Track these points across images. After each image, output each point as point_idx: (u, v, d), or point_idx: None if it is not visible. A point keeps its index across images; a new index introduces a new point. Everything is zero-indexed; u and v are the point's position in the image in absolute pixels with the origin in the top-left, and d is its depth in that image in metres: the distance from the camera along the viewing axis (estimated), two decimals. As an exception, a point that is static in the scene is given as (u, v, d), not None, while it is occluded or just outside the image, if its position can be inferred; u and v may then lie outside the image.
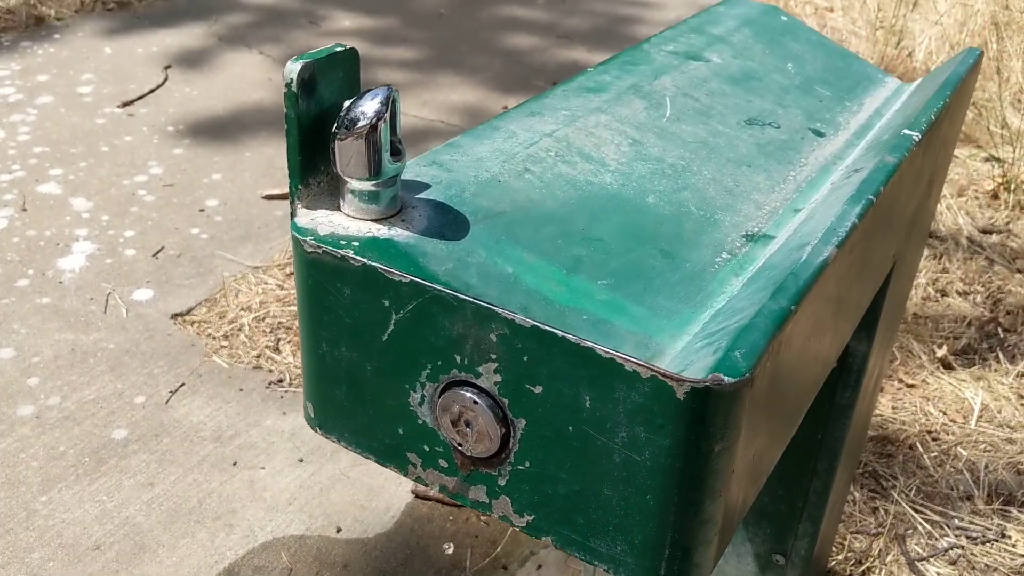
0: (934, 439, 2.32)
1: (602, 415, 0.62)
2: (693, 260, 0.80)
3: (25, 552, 1.92)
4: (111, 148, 3.51)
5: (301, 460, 2.18)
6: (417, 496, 2.10)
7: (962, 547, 2.04)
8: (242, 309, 2.66)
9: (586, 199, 0.83)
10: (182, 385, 2.39)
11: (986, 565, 2.00)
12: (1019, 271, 2.98)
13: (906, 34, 4.62)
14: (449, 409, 0.69)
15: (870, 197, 0.84)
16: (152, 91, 3.98)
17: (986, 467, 2.23)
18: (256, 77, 4.23)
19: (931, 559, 2.02)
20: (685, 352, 0.64)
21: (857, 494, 2.16)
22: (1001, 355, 2.59)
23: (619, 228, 0.81)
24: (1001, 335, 2.68)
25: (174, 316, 2.65)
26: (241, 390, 2.39)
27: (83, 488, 2.08)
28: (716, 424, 0.60)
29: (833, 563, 2.00)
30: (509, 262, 0.71)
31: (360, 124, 0.68)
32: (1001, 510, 2.13)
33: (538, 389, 0.65)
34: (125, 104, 3.82)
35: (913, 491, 2.17)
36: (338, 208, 0.74)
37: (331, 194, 0.75)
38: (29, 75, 4.07)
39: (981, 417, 2.38)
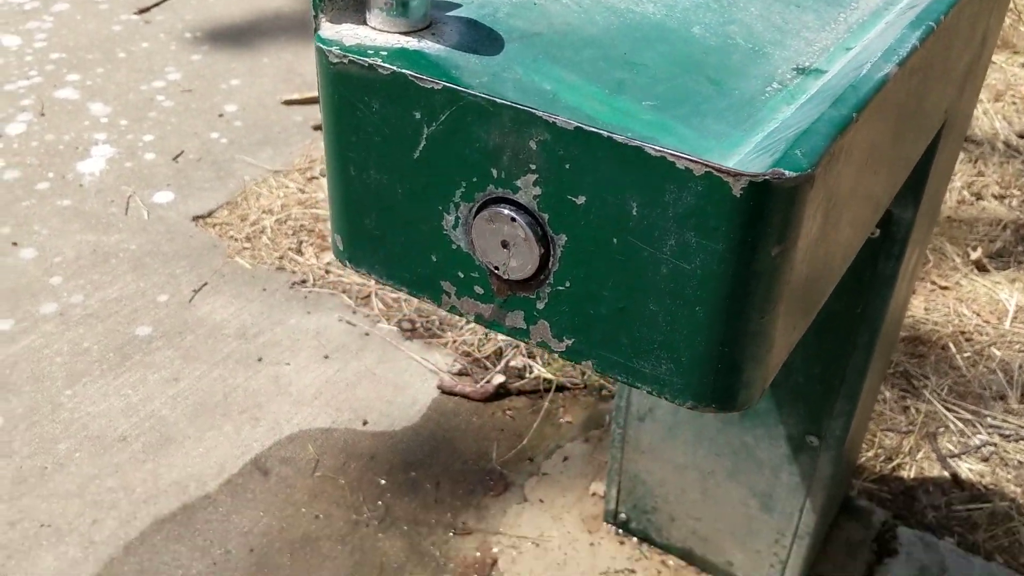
0: (967, 340, 2.27)
1: (650, 223, 0.59)
2: (742, 88, 0.75)
3: (51, 443, 1.93)
4: (128, 54, 3.45)
5: (326, 357, 2.17)
6: (443, 391, 2.09)
7: (995, 444, 2.01)
8: (264, 212, 2.63)
9: (628, 26, 0.78)
10: (205, 285, 2.38)
11: (1019, 462, 1.97)
12: (1058, 175, 2.89)
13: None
14: (485, 230, 0.65)
15: (930, 23, 0.78)
16: (168, -2, 3.90)
17: (1020, 367, 2.19)
18: (273, -16, 4.14)
19: (963, 456, 2.00)
20: (740, 161, 0.60)
21: (888, 393, 2.12)
22: (1038, 257, 2.53)
23: (663, 56, 0.76)
24: (1038, 238, 2.61)
25: (195, 218, 2.62)
26: (264, 290, 2.37)
27: (108, 383, 2.08)
28: (775, 223, 0.56)
29: (863, 459, 1.98)
30: (548, 80, 0.67)
31: (388, -79, 0.63)
32: (1035, 408, 2.09)
33: (581, 200, 0.61)
34: (142, 11, 3.75)
35: (945, 391, 2.14)
36: (364, 22, 0.69)
37: (356, 10, 0.71)
38: (43, -18, 3.99)
39: (1016, 318, 2.33)
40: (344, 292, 2.36)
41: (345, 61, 0.66)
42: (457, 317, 2.31)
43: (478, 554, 1.74)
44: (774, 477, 1.50)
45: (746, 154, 0.60)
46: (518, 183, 0.63)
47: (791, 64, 0.82)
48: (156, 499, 1.82)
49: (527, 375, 2.14)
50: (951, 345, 2.25)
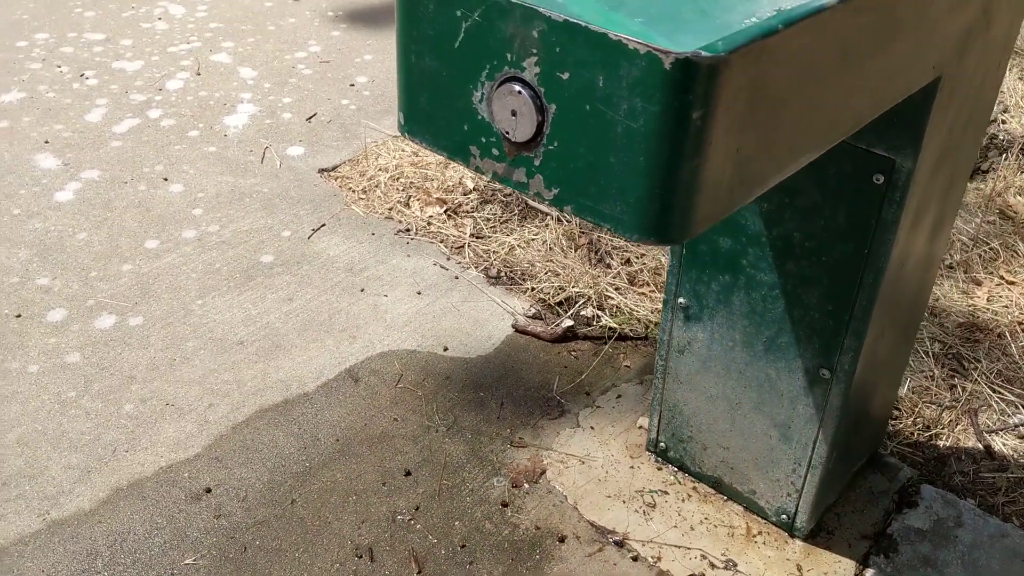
0: (1024, 330, 2.37)
1: (610, 91, 0.81)
2: (723, 18, 0.96)
3: (181, 341, 2.27)
4: (276, 28, 3.83)
5: (419, 293, 2.44)
6: (517, 330, 2.33)
7: (1033, 425, 2.11)
8: (380, 170, 2.93)
9: (639, -32, 1.00)
10: (323, 225, 2.69)
11: (1054, 442, 2.07)
12: None
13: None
14: (501, 102, 0.89)
15: (884, -24, 0.97)
16: (316, -20, 4.29)
17: (1073, 359, 2.27)
18: (411, -27, 4.48)
19: (999, 432, 2.10)
20: (675, 47, 0.81)
21: (936, 371, 2.25)
22: (1113, 264, 2.58)
23: (662, -10, 0.97)
24: (1117, 246, 2.66)
25: (321, 171, 2.94)
26: (373, 234, 2.66)
27: (233, 297, 2.41)
28: (696, 92, 0.77)
29: (901, 425, 2.11)
30: (562, -4, 0.90)
31: None
32: (1079, 396, 2.18)
33: (566, 75, 0.83)
34: (291, -10, 4.14)
35: (994, 374, 2.24)
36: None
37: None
38: (209, -38, 4.45)
39: (1078, 316, 2.40)
40: (441, 242, 2.64)
41: (410, -26, 0.91)
42: (534, 266, 2.53)
43: (529, 463, 1.97)
44: (792, 408, 1.67)
45: (685, 45, 0.82)
46: (524, 64, 0.86)
47: (775, 6, 1.03)
48: (263, 392, 2.13)
49: (594, 323, 2.36)
50: (1007, 334, 2.35)
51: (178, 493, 1.87)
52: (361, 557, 1.75)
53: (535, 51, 0.85)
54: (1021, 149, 2.96)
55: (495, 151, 0.93)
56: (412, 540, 1.79)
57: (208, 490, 1.88)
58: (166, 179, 2.86)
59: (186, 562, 1.73)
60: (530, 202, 2.77)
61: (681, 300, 1.74)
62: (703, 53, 0.76)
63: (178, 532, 1.79)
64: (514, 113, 0.88)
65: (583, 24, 0.81)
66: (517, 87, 0.87)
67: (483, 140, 0.93)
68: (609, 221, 0.86)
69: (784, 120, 0.91)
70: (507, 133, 0.90)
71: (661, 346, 1.83)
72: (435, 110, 0.96)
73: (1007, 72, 3.53)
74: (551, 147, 0.88)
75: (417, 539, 1.79)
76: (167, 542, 1.77)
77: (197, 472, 1.92)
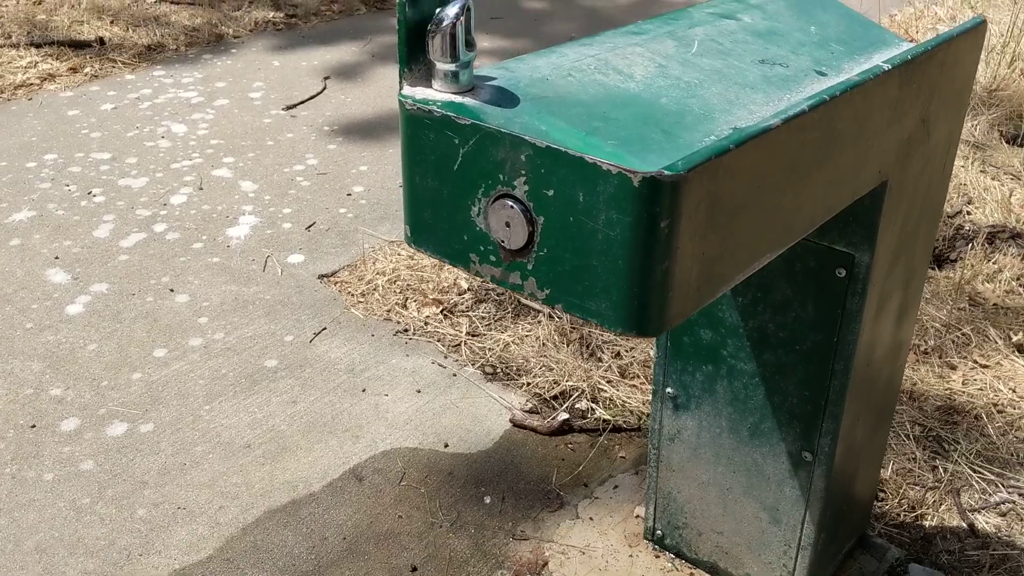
0: (1000, 411, 2.46)
1: (590, 205, 0.93)
2: (686, 138, 1.10)
3: (190, 445, 2.35)
4: (275, 142, 4.02)
5: (419, 391, 2.54)
6: (515, 425, 2.42)
7: (1013, 502, 2.19)
8: (377, 273, 3.06)
9: (612, 96, 1.14)
10: (324, 329, 2.80)
11: (1035, 518, 2.15)
12: (1115, 273, 3.05)
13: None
14: (495, 215, 1.01)
15: (824, 97, 1.12)
16: (312, 97, 4.51)
17: (1049, 437, 2.37)
18: (403, 89, 4.71)
19: (982, 510, 2.18)
20: (642, 167, 0.94)
21: (919, 453, 2.34)
22: (1081, 344, 2.70)
23: (632, 115, 1.11)
24: (1085, 328, 2.78)
25: (321, 276, 3.07)
26: (373, 335, 2.77)
27: (239, 402, 2.50)
28: (662, 205, 0.90)
29: (887, 507, 2.19)
30: (544, 123, 1.03)
31: (444, 23, 1.02)
32: (1056, 472, 2.26)
33: (551, 192, 0.96)
34: (289, 107, 4.35)
35: (973, 455, 2.33)
36: (430, 86, 1.08)
37: (426, 78, 1.10)
38: (209, 82, 4.68)
39: (1051, 395, 2.51)
40: (439, 341, 2.75)
41: (415, 109, 1.04)
42: (529, 362, 2.63)
43: (532, 556, 2.03)
44: (779, 491, 1.76)
45: (651, 164, 0.95)
46: (515, 183, 0.99)
47: (730, 125, 1.17)
48: (270, 494, 2.20)
49: (589, 416, 2.45)
50: (984, 415, 2.45)
51: (190, 594, 1.93)
52: (370, 650, 1.80)
53: (523, 172, 0.98)
54: (986, 238, 3.12)
55: (492, 257, 1.05)
56: (419, 632, 1.84)
57: (219, 590, 1.94)
58: (172, 290, 2.98)
59: (199, 661, 1.78)
60: (523, 300, 2.90)
61: (669, 390, 1.84)
62: (665, 172, 0.89)
63: (191, 632, 1.84)
64: (508, 224, 1.01)
65: (563, 149, 0.94)
66: (510, 202, 1.00)
67: (481, 248, 1.05)
68: (595, 316, 0.97)
69: (741, 225, 1.03)
70: (503, 242, 1.02)
71: (652, 435, 1.92)
72: (438, 223, 1.09)
73: (969, 166, 3.72)
74: (541, 253, 1.00)
75: (424, 631, 1.84)
76: (180, 642, 1.82)
77: (210, 574, 1.98)
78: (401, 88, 1.08)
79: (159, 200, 3.54)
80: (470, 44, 1.04)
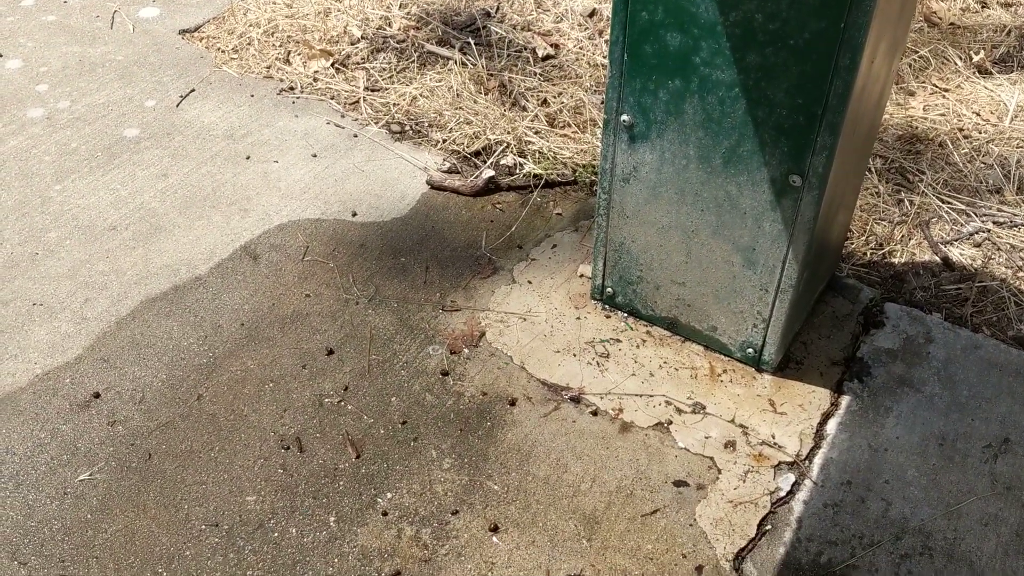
0: (965, 137, 2.24)
1: None
2: None
3: (41, 232, 1.94)
4: None
5: (315, 156, 2.16)
6: (432, 187, 2.07)
7: (987, 231, 2.00)
8: (250, 25, 2.58)
9: None
10: (192, 91, 2.35)
11: (1012, 246, 1.96)
12: (1069, -12, 2.80)
13: None
14: None
15: None
16: None
17: (1018, 162, 2.16)
18: None
19: (955, 242, 1.98)
20: None
21: (882, 187, 2.10)
22: (1043, 61, 2.47)
23: None
24: (1044, 44, 2.55)
25: (182, 32, 2.57)
26: (252, 96, 2.34)
27: (96, 179, 2.08)
28: None
29: (853, 246, 1.97)
30: None
31: None
32: (1030, 194, 2.07)
33: None
34: None
35: (940, 184, 2.12)
36: None
37: None
38: None
39: (1016, 117, 2.29)
40: (332, 98, 2.34)
41: None
42: (442, 116, 2.25)
43: (466, 327, 1.75)
44: (757, 227, 1.49)
45: None
46: None
47: None
48: (147, 281, 1.84)
49: (517, 171, 2.12)
50: (948, 142, 2.22)
51: (60, 403, 1.59)
52: (288, 448, 1.52)
53: None
54: (941, -48, 2.80)
55: None
56: (345, 423, 1.56)
57: (96, 395, 1.61)
58: (0, 55, 2.46)
59: (80, 478, 1.47)
60: (428, 47, 2.48)
61: (624, 118, 1.51)
62: None
63: (66, 446, 1.52)
64: None
65: None
66: None
67: None
68: None
69: None
70: None
71: (603, 177, 1.61)
72: None
73: None
74: None
75: (350, 421, 1.57)
76: (54, 458, 1.50)
77: (81, 377, 1.64)
78: None
79: (-29, -47, 2.90)
80: None
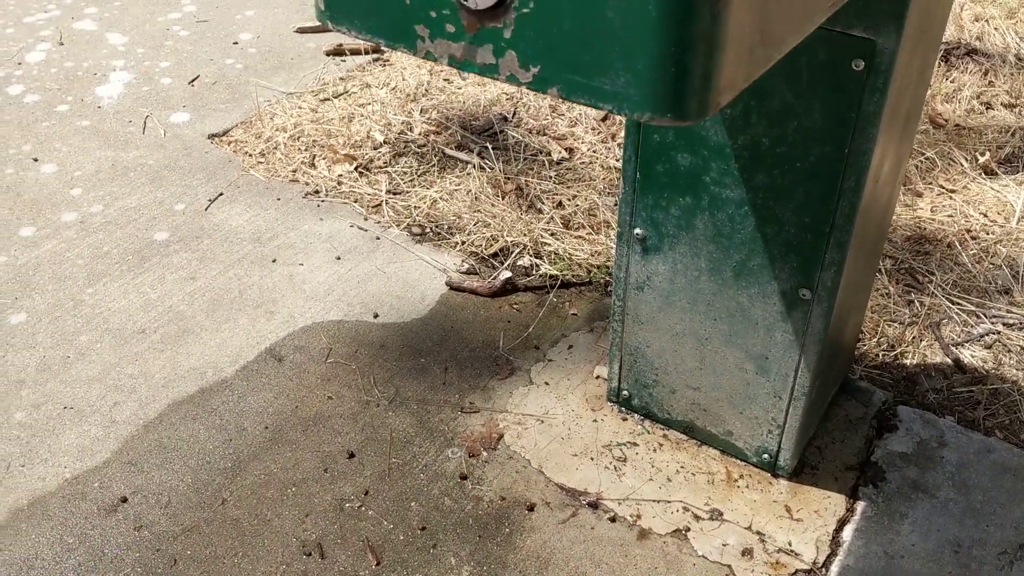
0: (973, 238, 2.28)
1: (603, -77, 0.62)
2: None
3: (73, 336, 2.00)
4: (145, -10, 3.50)
5: (338, 258, 2.22)
6: (451, 288, 2.13)
7: (998, 332, 2.03)
8: (277, 130, 2.68)
9: None
10: (220, 195, 2.43)
11: (1021, 348, 1.99)
12: (1071, 89, 2.88)
13: None
14: (454, -40, 0.69)
15: None
16: (184, -61, 3.95)
17: (1026, 262, 2.20)
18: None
19: (965, 344, 2.01)
20: None
21: (892, 288, 2.14)
22: (1047, 162, 2.53)
23: None
24: (1048, 145, 2.61)
25: (211, 136, 2.67)
26: (279, 199, 2.42)
27: (127, 282, 2.15)
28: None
29: (865, 347, 2.00)
30: None
31: None
32: (1039, 296, 2.11)
33: (539, -90, 0.64)
34: (158, -49, 3.80)
35: (949, 285, 2.16)
36: None
37: None
38: (62, -73, 4.06)
39: (1023, 219, 2.34)
40: (356, 201, 2.41)
41: None
42: (461, 219, 2.32)
43: (484, 429, 1.78)
44: (768, 336, 1.53)
45: None
46: (482, -95, 0.66)
47: None
48: (174, 384, 1.89)
49: (533, 272, 2.18)
50: (956, 243, 2.27)
51: (89, 507, 1.63)
52: (310, 554, 1.54)
53: None
54: (942, 56, 2.89)
55: (449, 27, 0.73)
56: (365, 529, 1.59)
57: (124, 500, 1.64)
58: (36, 159, 2.56)
59: (104, 584, 1.49)
60: (447, 151, 2.57)
61: (637, 231, 1.57)
62: None
63: (93, 551, 1.55)
64: (472, -26, 0.69)
65: None
66: (474, -63, 0.68)
67: (432, 15, 0.73)
68: (610, 100, 0.67)
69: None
70: (464, 1, 0.70)
71: (617, 285, 1.66)
72: (365, -14, 0.76)
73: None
74: (525, 10, 0.68)
75: (370, 527, 1.59)
76: (82, 564, 1.53)
77: (108, 481, 1.68)
78: None
79: (11, 58, 3.04)
80: None
